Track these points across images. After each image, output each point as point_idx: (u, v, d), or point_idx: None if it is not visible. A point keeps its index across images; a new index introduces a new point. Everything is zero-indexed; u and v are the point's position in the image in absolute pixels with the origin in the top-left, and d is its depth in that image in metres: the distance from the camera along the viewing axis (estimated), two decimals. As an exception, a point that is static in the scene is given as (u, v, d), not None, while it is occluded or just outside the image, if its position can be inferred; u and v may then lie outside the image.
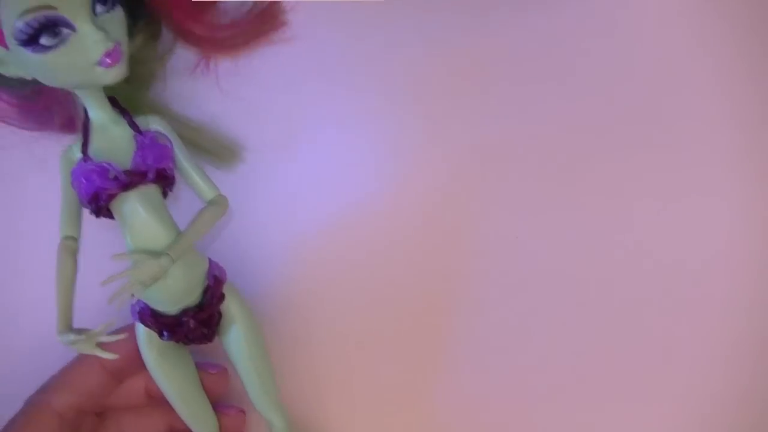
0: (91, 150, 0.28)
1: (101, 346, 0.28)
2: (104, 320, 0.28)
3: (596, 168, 0.33)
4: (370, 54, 0.34)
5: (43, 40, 0.25)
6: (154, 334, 0.29)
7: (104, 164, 0.27)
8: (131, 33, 0.28)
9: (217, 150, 0.33)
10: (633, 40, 0.34)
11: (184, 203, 0.30)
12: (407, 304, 0.33)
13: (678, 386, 0.33)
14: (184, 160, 0.29)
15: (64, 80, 0.27)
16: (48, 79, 0.27)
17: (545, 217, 0.33)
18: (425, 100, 0.34)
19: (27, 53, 0.25)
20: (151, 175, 0.28)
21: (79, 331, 0.28)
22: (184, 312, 0.29)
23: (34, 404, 0.28)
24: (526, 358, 0.33)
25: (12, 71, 0.27)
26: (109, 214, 0.28)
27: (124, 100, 0.29)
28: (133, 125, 0.29)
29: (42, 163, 0.31)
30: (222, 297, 0.29)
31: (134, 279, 0.27)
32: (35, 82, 0.27)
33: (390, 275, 0.33)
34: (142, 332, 0.29)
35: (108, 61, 0.26)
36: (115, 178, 0.27)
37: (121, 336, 0.28)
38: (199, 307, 0.29)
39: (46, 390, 0.29)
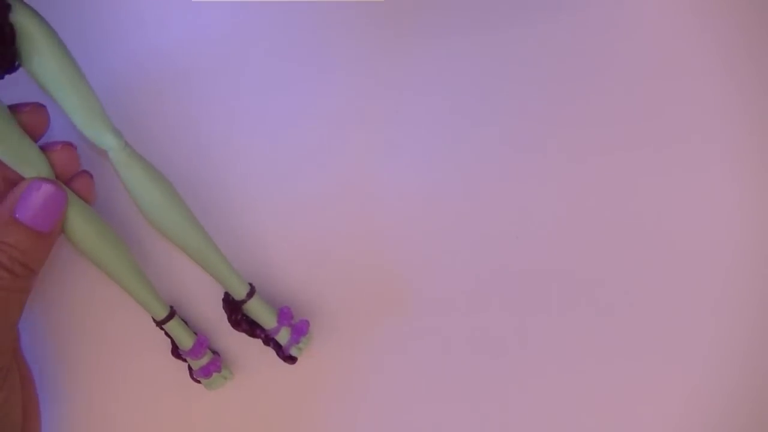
0: None
1: None
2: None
3: (597, 167, 0.33)
4: (369, 54, 0.33)
5: None
6: None
7: None
8: None
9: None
10: (633, 40, 0.33)
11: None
12: (404, 303, 0.33)
13: (679, 387, 0.33)
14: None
15: None
16: None
17: (545, 217, 0.33)
18: (424, 100, 0.33)
19: None
20: None
21: None
22: None
23: None
24: (526, 358, 0.33)
25: None
26: None
27: None
28: None
29: None
30: (6, 6, 0.26)
31: None
32: None
33: (388, 275, 0.33)
34: None
35: None
36: None
37: None
38: None
39: None
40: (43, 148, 0.29)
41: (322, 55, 0.33)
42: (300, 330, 0.32)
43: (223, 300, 0.32)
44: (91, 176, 0.30)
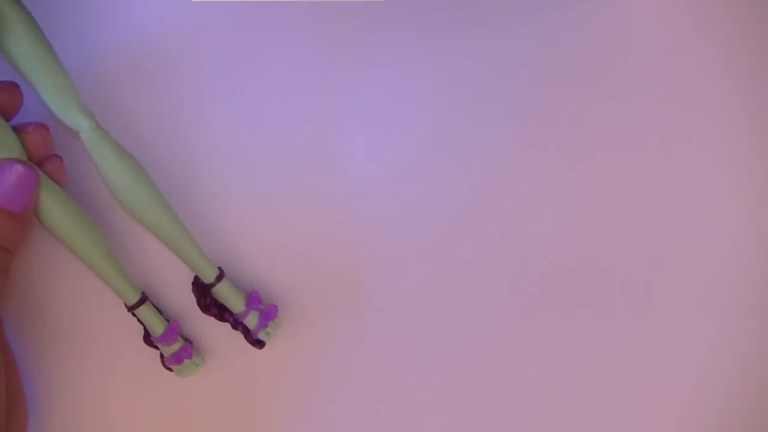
0: None
1: None
2: None
3: (597, 166, 0.33)
4: (369, 54, 0.33)
5: None
6: None
7: None
8: None
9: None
10: (633, 39, 0.33)
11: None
12: (403, 304, 0.33)
13: (678, 388, 0.33)
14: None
15: None
16: None
17: (545, 217, 0.33)
18: (422, 99, 0.33)
19: None
20: None
21: None
22: None
23: None
24: (526, 358, 0.33)
25: None
26: None
27: None
28: None
29: None
30: None
31: None
32: None
33: (387, 275, 0.33)
34: None
35: None
36: None
37: None
38: None
39: None
40: (16, 129, 0.29)
41: (320, 54, 0.33)
42: (268, 315, 0.31)
43: (193, 284, 0.32)
44: (62, 159, 0.31)
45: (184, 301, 0.33)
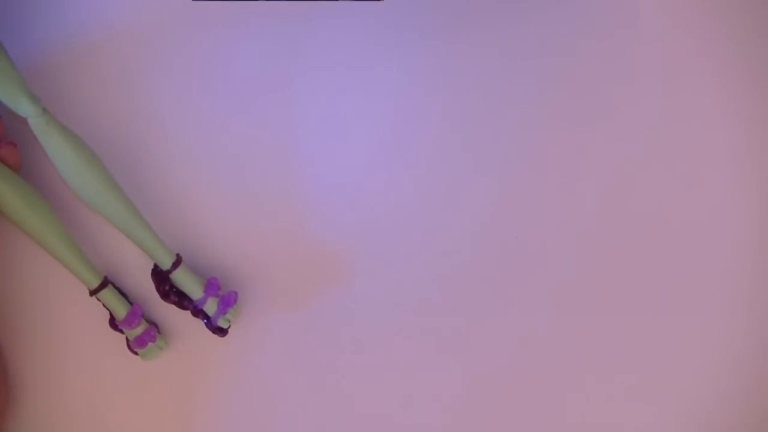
0: None
1: None
2: None
3: (596, 165, 0.33)
4: (369, 54, 0.33)
5: None
6: None
7: None
8: None
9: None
10: (633, 38, 0.34)
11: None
12: (403, 303, 0.33)
13: (682, 386, 0.33)
14: None
15: None
16: None
17: (544, 216, 0.33)
18: (421, 98, 0.33)
19: None
20: None
21: None
22: None
23: None
24: (526, 358, 0.33)
25: None
26: None
27: None
28: None
29: None
30: None
31: None
32: None
33: (388, 274, 0.33)
34: None
35: None
36: None
37: None
38: None
39: None
40: None
41: (320, 54, 0.33)
42: (227, 301, 0.31)
43: (152, 271, 0.31)
44: (16, 145, 0.30)
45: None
